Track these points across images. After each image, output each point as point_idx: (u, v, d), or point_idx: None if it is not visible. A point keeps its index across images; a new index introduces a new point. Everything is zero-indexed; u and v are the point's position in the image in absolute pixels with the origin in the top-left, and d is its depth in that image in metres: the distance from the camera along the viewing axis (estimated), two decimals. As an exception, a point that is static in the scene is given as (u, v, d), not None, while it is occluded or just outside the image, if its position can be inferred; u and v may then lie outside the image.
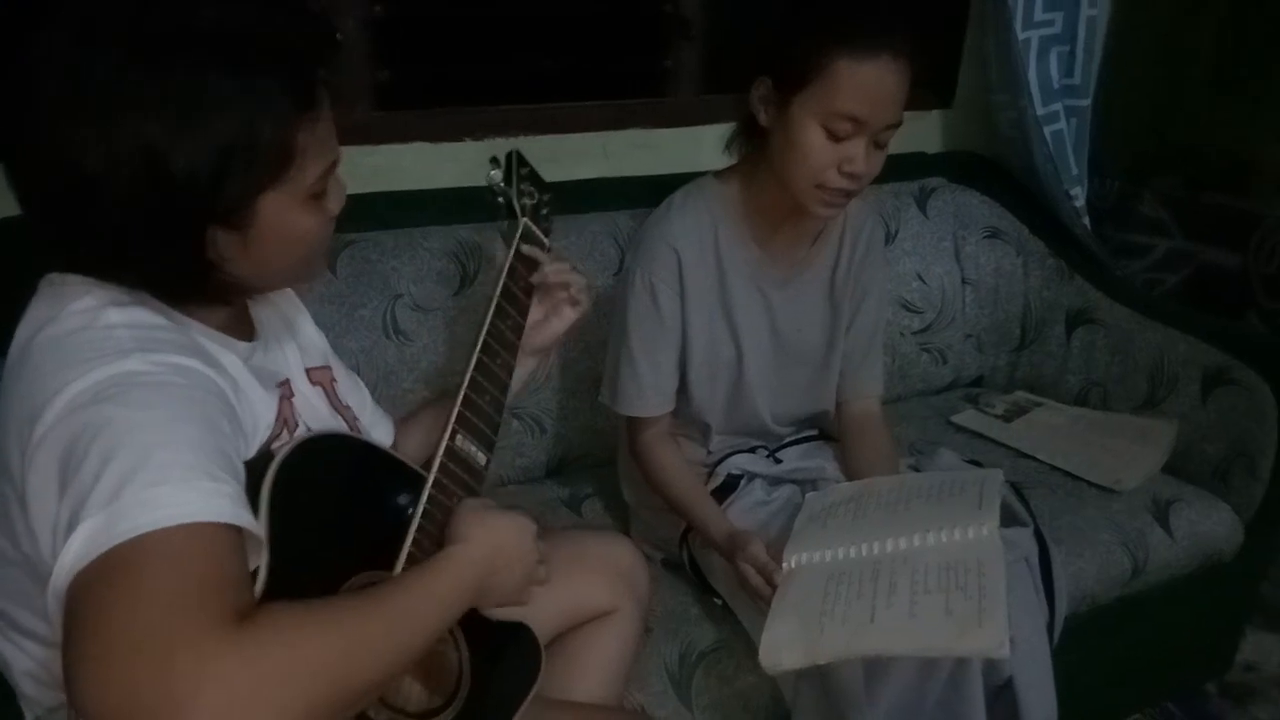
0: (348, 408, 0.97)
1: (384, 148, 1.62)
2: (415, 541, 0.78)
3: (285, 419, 0.84)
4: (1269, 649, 1.92)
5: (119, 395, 0.65)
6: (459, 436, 0.86)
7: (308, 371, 0.93)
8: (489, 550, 0.81)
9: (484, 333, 0.94)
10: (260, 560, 0.68)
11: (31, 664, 0.76)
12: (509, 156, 1.12)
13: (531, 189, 1.11)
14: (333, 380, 0.97)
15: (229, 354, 0.80)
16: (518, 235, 1.04)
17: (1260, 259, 2.01)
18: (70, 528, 0.60)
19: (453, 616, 0.77)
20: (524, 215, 1.06)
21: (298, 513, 0.72)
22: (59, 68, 0.67)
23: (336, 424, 0.93)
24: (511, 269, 1.01)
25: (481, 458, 0.88)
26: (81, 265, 0.73)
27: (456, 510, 0.83)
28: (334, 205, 0.81)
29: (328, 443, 0.81)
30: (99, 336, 0.69)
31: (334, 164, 0.78)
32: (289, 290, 0.98)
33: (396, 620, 0.69)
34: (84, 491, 0.61)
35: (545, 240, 1.09)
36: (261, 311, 0.91)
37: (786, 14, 1.22)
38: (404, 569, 0.77)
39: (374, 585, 0.74)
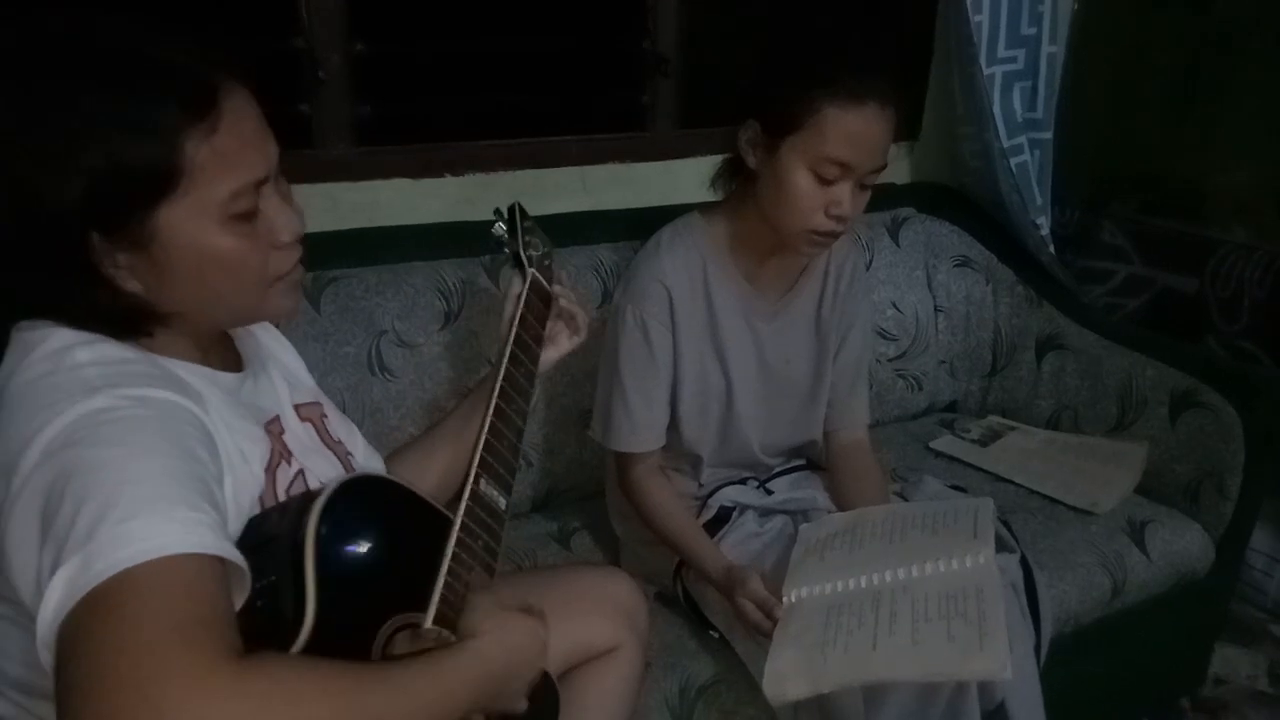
0: (339, 443, 0.96)
1: (365, 184, 1.62)
2: (447, 585, 0.78)
3: (280, 452, 0.83)
4: (1237, 663, 1.97)
5: (88, 436, 0.64)
6: (482, 481, 0.87)
7: (296, 408, 0.92)
8: (505, 651, 0.79)
9: (500, 380, 0.96)
10: (302, 604, 0.68)
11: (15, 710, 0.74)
12: (511, 209, 1.13)
13: (535, 240, 1.13)
14: (323, 416, 0.96)
15: (212, 386, 0.78)
16: (525, 287, 1.07)
17: (1216, 284, 2.08)
18: (51, 576, 0.59)
19: (457, 709, 0.74)
20: (531, 266, 1.09)
21: (341, 554, 0.73)
22: None
23: (327, 459, 0.91)
24: (522, 319, 1.04)
25: (501, 501, 0.89)
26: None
27: (471, 603, 0.80)
28: (282, 233, 0.77)
29: (363, 484, 0.81)
30: (66, 378, 0.68)
31: (258, 182, 0.73)
32: (269, 326, 0.97)
33: (398, 700, 0.67)
34: (61, 538, 0.60)
35: (551, 290, 1.11)
36: (246, 346, 0.90)
37: (773, 60, 1.26)
38: (435, 617, 0.76)
39: (391, 661, 0.73)
